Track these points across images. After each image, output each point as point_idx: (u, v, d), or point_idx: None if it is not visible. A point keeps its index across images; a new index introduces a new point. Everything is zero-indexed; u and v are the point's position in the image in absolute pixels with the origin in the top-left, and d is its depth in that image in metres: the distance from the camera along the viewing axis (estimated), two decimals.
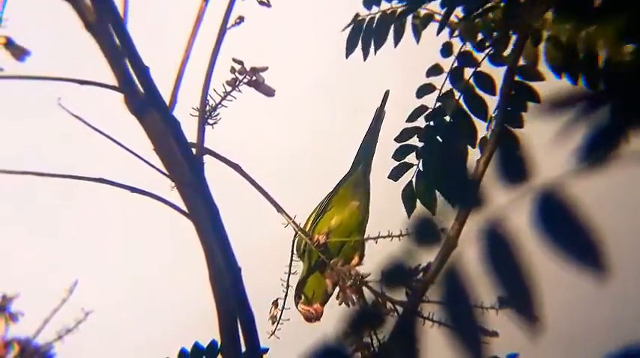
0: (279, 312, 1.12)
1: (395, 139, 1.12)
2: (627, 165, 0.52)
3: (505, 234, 0.53)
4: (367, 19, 1.08)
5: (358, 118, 1.28)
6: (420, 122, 1.11)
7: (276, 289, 1.12)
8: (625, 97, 0.53)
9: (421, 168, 1.11)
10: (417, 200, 1.12)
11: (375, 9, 1.07)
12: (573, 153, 0.52)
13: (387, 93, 1.18)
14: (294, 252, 1.16)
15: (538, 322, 0.52)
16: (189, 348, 1.13)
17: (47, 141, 1.29)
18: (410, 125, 1.11)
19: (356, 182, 1.20)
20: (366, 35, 1.08)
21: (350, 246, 1.16)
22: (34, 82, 0.96)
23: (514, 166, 0.54)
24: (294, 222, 1.13)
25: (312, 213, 1.19)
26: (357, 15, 1.08)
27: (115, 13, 0.91)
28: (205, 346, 1.13)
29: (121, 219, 1.34)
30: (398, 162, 1.13)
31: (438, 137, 1.09)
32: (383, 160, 1.19)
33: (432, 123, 1.09)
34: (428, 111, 1.10)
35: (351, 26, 1.09)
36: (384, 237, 1.10)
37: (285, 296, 1.13)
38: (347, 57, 1.10)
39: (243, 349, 1.04)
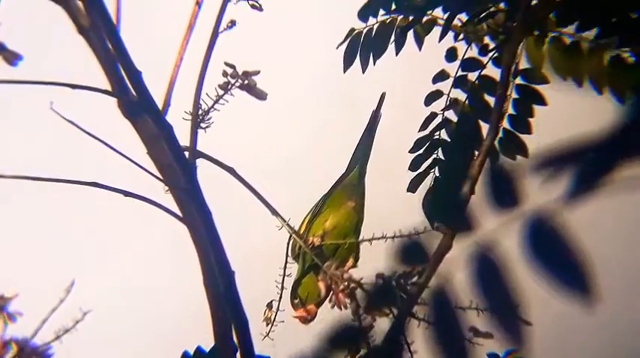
0: (274, 314, 1.12)
1: (409, 151, 1.12)
2: (617, 192, 0.52)
3: (494, 258, 0.53)
4: (365, 31, 1.07)
5: (354, 120, 1.28)
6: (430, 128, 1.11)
7: (271, 291, 1.13)
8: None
9: (438, 175, 1.11)
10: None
11: (372, 20, 1.07)
12: (563, 181, 0.52)
13: (383, 96, 1.18)
14: (289, 254, 1.16)
15: (525, 345, 0.53)
16: (191, 351, 1.13)
17: (40, 146, 1.29)
18: (422, 134, 1.11)
19: (351, 184, 1.20)
20: (364, 48, 1.07)
21: (345, 248, 1.16)
22: (26, 86, 0.96)
23: (504, 191, 0.54)
24: (288, 224, 1.13)
25: (307, 215, 1.19)
26: (352, 30, 1.08)
27: (108, 17, 0.92)
28: (208, 350, 1.13)
29: (119, 220, 1.35)
30: (414, 173, 1.12)
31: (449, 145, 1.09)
32: (379, 163, 1.20)
33: (442, 132, 1.10)
34: (438, 121, 1.09)
35: (348, 40, 1.09)
36: (378, 239, 1.10)
37: (280, 298, 1.13)
38: (345, 71, 1.10)
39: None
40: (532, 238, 0.52)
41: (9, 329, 1.03)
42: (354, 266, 1.14)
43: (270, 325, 1.11)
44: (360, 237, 1.16)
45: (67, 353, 1.06)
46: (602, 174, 0.51)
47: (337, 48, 1.07)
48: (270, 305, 1.13)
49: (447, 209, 0.61)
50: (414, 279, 1.03)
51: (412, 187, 1.11)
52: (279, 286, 1.13)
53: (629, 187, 0.52)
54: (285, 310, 1.13)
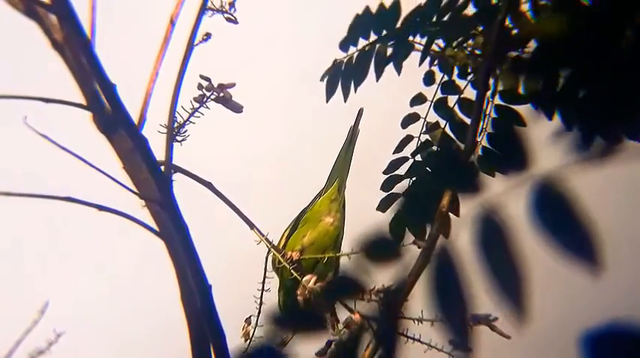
0: (252, 329, 1.12)
1: (383, 172, 1.12)
2: (626, 160, 0.52)
3: (499, 221, 0.53)
4: (345, 60, 1.08)
5: (332, 134, 1.28)
6: (407, 152, 1.11)
7: (249, 305, 1.12)
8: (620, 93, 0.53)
9: (409, 199, 1.10)
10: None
11: (352, 49, 1.07)
12: (573, 145, 0.52)
13: (360, 112, 1.18)
14: (268, 268, 1.15)
15: (524, 312, 0.52)
16: None
17: (14, 161, 1.28)
18: (396, 156, 1.11)
19: (330, 199, 1.20)
20: (345, 76, 1.08)
21: (324, 263, 1.15)
22: None
23: (513, 154, 0.54)
24: (266, 238, 1.13)
25: (286, 230, 1.19)
26: (335, 60, 1.08)
27: (82, 31, 0.91)
28: None
29: (94, 236, 1.34)
30: (385, 194, 1.12)
31: (426, 169, 1.09)
32: (361, 177, 1.19)
33: (419, 156, 1.09)
34: (415, 145, 1.09)
35: (330, 72, 1.09)
36: (356, 253, 1.09)
37: (258, 313, 1.12)
38: (327, 101, 1.10)
39: None
40: (539, 203, 0.51)
41: None
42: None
43: (249, 340, 1.11)
44: (340, 252, 1.16)
45: None
46: (611, 142, 0.51)
47: (322, 80, 1.07)
48: (248, 321, 1.12)
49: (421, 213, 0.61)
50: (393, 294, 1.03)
51: (383, 207, 1.11)
52: (258, 301, 1.13)
53: (636, 156, 0.52)
54: (263, 325, 1.12)
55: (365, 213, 1.19)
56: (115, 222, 1.01)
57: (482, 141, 1.03)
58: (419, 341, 1.07)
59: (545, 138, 0.53)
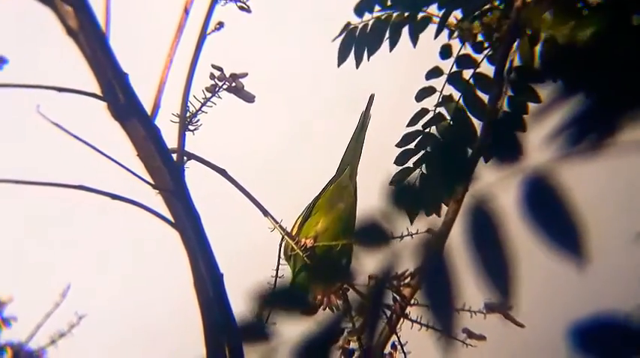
0: (266, 316, 1.12)
1: (396, 145, 1.11)
2: (616, 154, 0.52)
3: (490, 212, 0.53)
4: (360, 26, 1.07)
5: (347, 120, 1.27)
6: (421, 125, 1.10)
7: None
8: (607, 87, 0.53)
9: (424, 172, 1.10)
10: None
11: (367, 16, 1.07)
12: (563, 138, 0.52)
13: (371, 98, 1.18)
14: (281, 255, 1.16)
15: (513, 301, 0.52)
16: (184, 354, 1.13)
17: (28, 150, 1.28)
18: (410, 129, 1.10)
19: (342, 185, 1.20)
20: (358, 43, 1.07)
21: (337, 251, 1.15)
22: (12, 89, 0.95)
23: (505, 146, 0.54)
24: (280, 225, 1.13)
25: (299, 218, 1.19)
26: (348, 24, 1.07)
27: (96, 23, 0.91)
28: None
29: (113, 224, 1.34)
30: (399, 168, 1.12)
31: (439, 140, 1.09)
32: (373, 164, 1.19)
33: (433, 128, 1.09)
34: (429, 117, 1.09)
35: (343, 35, 1.08)
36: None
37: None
38: (339, 66, 1.09)
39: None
40: (529, 195, 0.51)
41: (4, 333, 1.03)
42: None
43: None
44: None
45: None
46: (601, 136, 0.51)
47: (333, 41, 1.06)
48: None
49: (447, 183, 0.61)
50: (407, 280, 1.03)
51: (396, 181, 1.11)
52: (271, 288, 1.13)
53: (626, 150, 0.51)
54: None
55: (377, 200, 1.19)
56: (132, 210, 1.02)
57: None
58: (432, 328, 1.07)
59: (538, 130, 0.53)
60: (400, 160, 1.10)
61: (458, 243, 0.54)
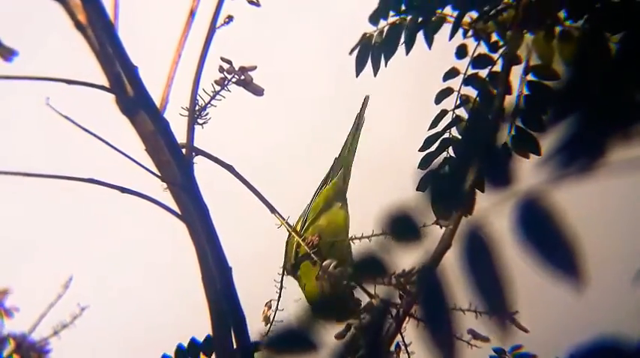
0: (273, 313, 1.12)
1: (420, 149, 1.11)
2: (608, 175, 0.51)
3: (484, 237, 0.53)
4: (375, 34, 1.07)
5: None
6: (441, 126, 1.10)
7: (269, 288, 1.12)
8: (598, 105, 0.53)
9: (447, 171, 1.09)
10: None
11: (382, 22, 1.07)
12: (555, 161, 0.51)
13: (366, 99, 1.18)
14: (287, 253, 1.16)
15: (510, 325, 0.52)
16: (185, 344, 1.13)
17: (37, 142, 1.29)
18: (432, 132, 1.10)
19: (337, 186, 1.20)
20: (375, 50, 1.07)
21: (339, 250, 1.16)
22: (22, 82, 0.95)
23: (498, 170, 0.54)
24: (287, 222, 1.13)
25: (298, 221, 1.19)
26: (364, 34, 1.08)
27: (105, 13, 0.91)
28: (202, 341, 1.12)
29: (117, 216, 1.34)
30: (423, 172, 1.11)
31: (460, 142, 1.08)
32: (363, 166, 1.20)
33: (453, 131, 1.09)
34: (449, 119, 1.09)
35: (360, 45, 1.08)
36: (368, 237, 1.10)
37: (279, 297, 1.13)
38: (357, 76, 1.09)
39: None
40: (523, 218, 0.51)
41: (7, 324, 1.03)
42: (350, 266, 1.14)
43: (269, 324, 1.11)
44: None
45: (65, 349, 1.06)
46: (593, 157, 0.51)
47: (350, 54, 1.06)
48: (269, 305, 1.12)
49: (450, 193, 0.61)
50: (414, 278, 1.03)
51: (422, 186, 1.10)
52: (278, 285, 1.13)
53: (620, 170, 0.51)
54: (284, 309, 1.12)
55: (369, 203, 1.20)
56: (137, 204, 1.02)
57: (516, 120, 1.02)
58: None
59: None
60: (424, 164, 1.10)
61: (453, 266, 0.54)
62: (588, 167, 0.51)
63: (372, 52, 1.06)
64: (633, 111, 0.52)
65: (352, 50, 1.07)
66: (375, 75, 1.07)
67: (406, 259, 0.61)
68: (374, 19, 1.05)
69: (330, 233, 1.16)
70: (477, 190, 0.75)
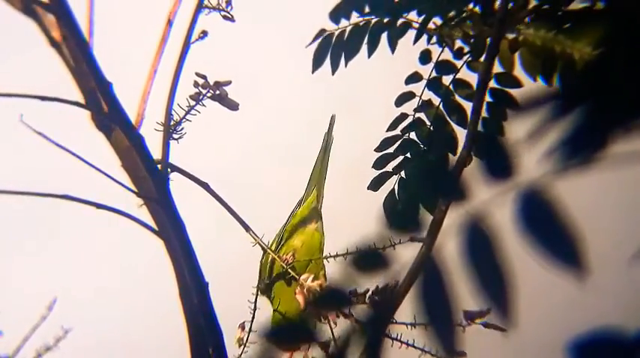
0: (246, 335, 1.11)
1: (375, 149, 1.11)
2: (610, 166, 0.52)
3: (486, 229, 0.53)
4: (337, 32, 1.07)
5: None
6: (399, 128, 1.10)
7: (246, 302, 1.12)
8: (601, 99, 0.53)
9: (403, 176, 1.10)
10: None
11: (344, 22, 1.07)
12: (557, 153, 0.52)
13: (333, 119, 1.19)
14: (262, 270, 1.16)
15: (511, 318, 0.52)
16: None
17: (11, 159, 1.28)
18: (390, 134, 1.10)
19: (310, 206, 1.21)
20: (335, 49, 1.07)
21: (314, 266, 1.16)
22: None
23: (498, 162, 0.54)
24: (261, 241, 1.13)
25: (274, 241, 1.19)
26: (322, 30, 1.07)
27: (79, 30, 0.91)
28: None
29: (96, 234, 1.34)
30: (378, 172, 1.12)
31: (419, 146, 1.09)
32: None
33: (412, 134, 1.09)
34: (408, 122, 1.09)
35: (318, 41, 1.08)
36: (343, 255, 1.10)
37: (252, 318, 1.12)
38: (313, 72, 1.09)
39: None
40: (525, 210, 0.51)
41: None
42: (325, 282, 1.14)
43: (242, 346, 1.10)
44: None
45: None
46: (594, 149, 0.52)
47: (306, 47, 1.06)
48: (242, 326, 1.11)
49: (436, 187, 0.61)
50: (388, 295, 1.03)
51: (374, 185, 1.10)
52: (252, 306, 1.13)
53: (622, 163, 0.52)
54: (257, 331, 1.11)
55: (344, 221, 1.20)
56: (113, 220, 1.01)
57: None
58: (413, 346, 1.06)
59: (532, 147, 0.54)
60: (379, 165, 1.10)
61: (453, 259, 0.54)
62: (590, 159, 0.51)
63: (331, 50, 1.06)
64: (634, 104, 0.53)
65: (309, 45, 1.06)
66: (332, 74, 1.06)
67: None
68: (335, 16, 1.05)
69: (304, 253, 1.17)
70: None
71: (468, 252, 0.52)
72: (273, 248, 1.16)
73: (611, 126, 0.52)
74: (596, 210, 1.25)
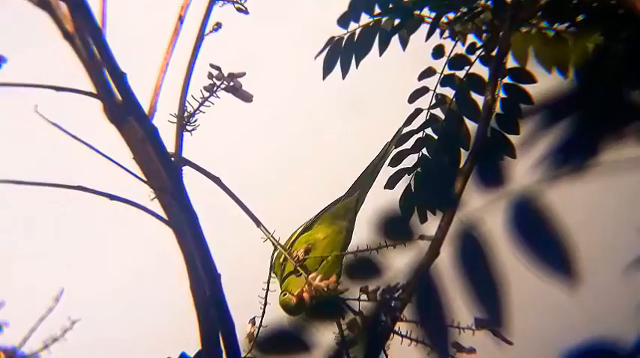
0: (256, 330, 1.11)
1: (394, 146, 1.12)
2: (601, 173, 0.52)
3: (479, 236, 0.53)
4: (346, 37, 1.07)
5: (342, 130, 1.28)
6: (415, 125, 1.11)
7: (257, 295, 1.12)
8: (592, 107, 0.53)
9: (420, 171, 1.10)
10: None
11: (353, 25, 1.07)
12: (548, 161, 0.52)
13: (399, 131, 1.16)
14: (272, 266, 1.16)
15: (505, 323, 0.53)
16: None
17: (25, 149, 1.28)
18: (406, 129, 1.11)
19: (347, 207, 1.20)
20: (345, 53, 1.07)
21: (329, 265, 1.15)
22: (10, 89, 0.95)
23: (491, 170, 0.54)
24: (272, 236, 1.13)
25: (300, 227, 1.19)
26: (332, 38, 1.08)
27: (93, 22, 0.91)
28: (192, 356, 1.11)
29: (105, 225, 1.34)
30: (394, 170, 1.12)
31: (435, 141, 1.09)
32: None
33: (427, 130, 1.09)
34: (424, 120, 1.09)
35: (328, 48, 1.09)
36: (362, 251, 1.10)
37: (263, 313, 1.12)
38: (324, 78, 1.10)
39: None
40: (516, 218, 0.52)
41: None
42: (337, 282, 1.14)
43: (252, 341, 1.10)
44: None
45: None
46: (585, 157, 0.52)
47: (315, 58, 1.07)
48: (253, 321, 1.11)
49: (435, 194, 0.61)
50: (397, 294, 1.03)
51: (391, 184, 1.10)
52: (262, 302, 1.12)
53: (613, 170, 0.52)
54: (267, 326, 1.11)
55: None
56: (126, 212, 1.01)
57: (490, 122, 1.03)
58: (422, 342, 1.06)
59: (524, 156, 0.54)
60: (395, 162, 1.10)
61: (447, 265, 0.54)
62: (582, 167, 0.52)
63: (341, 55, 1.07)
64: (626, 112, 0.53)
65: (318, 55, 1.07)
66: (343, 78, 1.07)
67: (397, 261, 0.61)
68: (343, 21, 1.06)
69: (324, 247, 1.16)
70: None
71: (461, 259, 0.52)
72: (296, 234, 1.16)
73: (602, 134, 0.52)
74: (589, 217, 1.25)
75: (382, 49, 1.07)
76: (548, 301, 1.12)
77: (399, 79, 1.13)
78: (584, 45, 0.95)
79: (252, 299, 1.12)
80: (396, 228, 0.62)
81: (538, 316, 1.17)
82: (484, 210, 0.53)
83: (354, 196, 1.20)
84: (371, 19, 1.06)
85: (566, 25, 0.97)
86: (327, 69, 1.08)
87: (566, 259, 0.50)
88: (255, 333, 1.11)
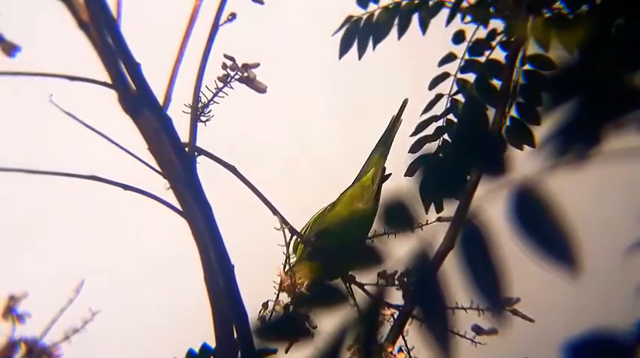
0: (269, 315, 1.11)
1: (412, 134, 1.11)
2: (602, 163, 0.52)
3: (480, 225, 0.53)
4: (365, 17, 1.07)
5: (357, 118, 1.27)
6: (435, 110, 1.10)
7: (271, 286, 1.12)
8: (593, 94, 0.53)
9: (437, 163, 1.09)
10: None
11: (372, 6, 1.06)
12: (549, 149, 0.52)
13: (405, 102, 1.16)
14: (290, 253, 1.15)
15: (505, 313, 0.52)
16: (195, 347, 1.12)
17: (40, 139, 1.28)
18: (425, 117, 1.10)
19: (364, 186, 1.19)
20: (363, 34, 1.06)
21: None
22: (24, 78, 0.95)
23: (492, 159, 0.54)
24: (289, 224, 1.12)
25: (319, 211, 1.19)
26: (349, 17, 1.07)
27: (108, 11, 0.91)
28: (213, 347, 1.11)
29: (127, 218, 1.34)
30: (413, 157, 1.11)
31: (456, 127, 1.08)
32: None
33: (448, 118, 1.08)
34: (443, 109, 1.08)
35: (345, 27, 1.08)
36: (380, 235, 1.09)
37: (276, 298, 1.12)
38: (340, 58, 1.09)
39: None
40: (518, 207, 0.51)
41: (18, 329, 1.03)
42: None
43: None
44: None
45: (76, 354, 1.05)
46: (588, 145, 0.51)
47: (333, 35, 1.06)
48: (266, 305, 1.11)
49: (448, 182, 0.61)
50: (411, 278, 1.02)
51: (411, 171, 1.10)
52: (276, 287, 1.12)
53: (615, 159, 0.51)
54: (281, 312, 1.11)
55: None
56: (140, 202, 1.02)
57: (512, 111, 1.02)
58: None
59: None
60: (415, 149, 1.09)
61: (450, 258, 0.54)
62: (583, 155, 0.51)
63: (358, 35, 1.06)
64: (628, 99, 0.52)
65: (335, 32, 1.06)
66: (359, 58, 1.06)
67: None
68: (363, 1, 1.05)
69: (343, 231, 1.15)
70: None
71: (463, 251, 0.52)
72: (314, 218, 1.16)
73: (603, 122, 0.51)
74: (591, 207, 1.24)
75: (401, 32, 1.06)
76: (549, 290, 1.12)
77: (418, 66, 1.13)
78: (604, 27, 0.94)
79: (264, 288, 1.12)
80: (400, 216, 0.61)
81: (539, 306, 1.17)
82: (485, 198, 0.53)
83: (369, 175, 1.18)
84: (391, 1, 1.06)
85: (587, 7, 0.96)
86: (344, 49, 1.08)
87: (567, 249, 0.50)
88: (268, 318, 1.11)
